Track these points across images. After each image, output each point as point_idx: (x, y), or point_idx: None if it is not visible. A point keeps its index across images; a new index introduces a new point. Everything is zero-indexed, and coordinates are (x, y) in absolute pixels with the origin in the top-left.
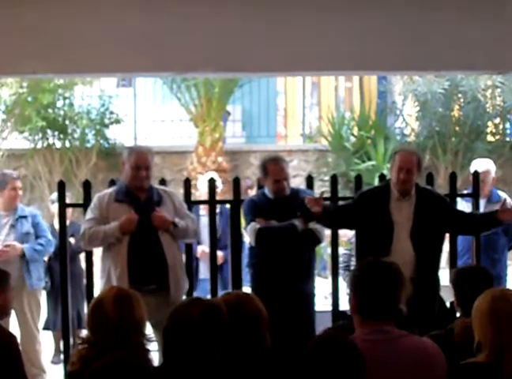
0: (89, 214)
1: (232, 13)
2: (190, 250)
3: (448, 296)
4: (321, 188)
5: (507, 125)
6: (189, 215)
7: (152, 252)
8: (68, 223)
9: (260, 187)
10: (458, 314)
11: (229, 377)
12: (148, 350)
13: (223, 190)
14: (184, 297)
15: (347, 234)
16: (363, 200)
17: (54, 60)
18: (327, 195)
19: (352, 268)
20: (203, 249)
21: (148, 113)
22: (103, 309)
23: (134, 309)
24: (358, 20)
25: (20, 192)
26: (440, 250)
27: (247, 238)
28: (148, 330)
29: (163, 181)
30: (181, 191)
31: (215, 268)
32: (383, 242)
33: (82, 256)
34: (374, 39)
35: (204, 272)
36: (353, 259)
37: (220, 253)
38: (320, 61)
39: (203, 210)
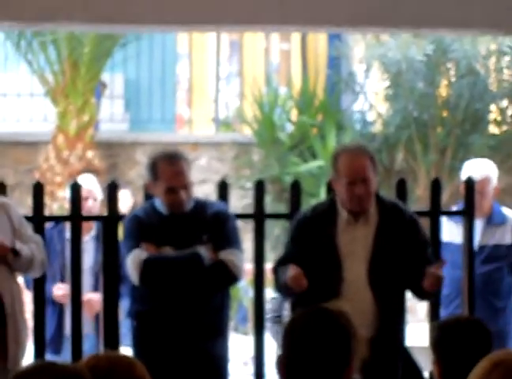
0: None
1: None
2: (40, 291)
3: (426, 363)
4: (241, 199)
5: None
6: (33, 238)
7: None
8: None
9: (148, 197)
10: None
11: None
12: None
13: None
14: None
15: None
16: (303, 232)
17: None
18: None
19: (286, 319)
20: (62, 286)
21: None
22: None
23: None
24: None
25: None
26: (403, 296)
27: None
28: None
29: (1, 187)
30: (29, 202)
31: (78, 320)
32: (328, 284)
33: None
34: None
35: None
36: (287, 307)
37: (96, 297)
38: (241, 9)
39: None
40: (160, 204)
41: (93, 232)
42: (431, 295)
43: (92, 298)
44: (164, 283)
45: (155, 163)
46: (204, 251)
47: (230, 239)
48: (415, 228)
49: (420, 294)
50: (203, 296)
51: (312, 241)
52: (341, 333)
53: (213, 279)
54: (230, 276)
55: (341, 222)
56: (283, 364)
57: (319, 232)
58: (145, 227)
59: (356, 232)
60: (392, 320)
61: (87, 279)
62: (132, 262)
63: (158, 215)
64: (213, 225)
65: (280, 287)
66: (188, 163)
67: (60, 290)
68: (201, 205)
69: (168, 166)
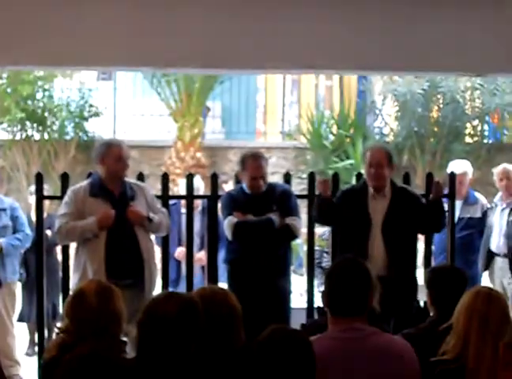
0: (64, 208)
1: (215, 9)
2: (166, 245)
3: (422, 295)
4: (299, 185)
5: (485, 126)
6: (161, 210)
7: (129, 247)
8: (45, 215)
9: (238, 181)
10: (431, 313)
11: (202, 373)
12: (124, 343)
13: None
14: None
15: (317, 232)
16: (344, 199)
17: (34, 51)
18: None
19: (324, 265)
20: (182, 249)
21: (127, 107)
22: (84, 298)
23: (115, 302)
24: (346, 19)
25: None
26: (414, 249)
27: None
28: None
29: (141, 176)
30: (159, 186)
31: (190, 265)
32: (360, 239)
33: (58, 248)
34: (357, 40)
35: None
36: (325, 256)
37: (202, 254)
38: (300, 59)
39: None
40: (245, 186)
41: (199, 208)
42: (437, 210)
43: (202, 256)
44: (249, 238)
45: (244, 158)
46: (275, 217)
47: (292, 209)
48: (417, 200)
49: (428, 223)
50: (274, 247)
51: (350, 207)
52: (364, 273)
53: (281, 236)
54: (292, 235)
55: (369, 196)
56: (326, 296)
57: (356, 202)
58: (236, 201)
59: (377, 203)
60: (399, 264)
61: (195, 240)
62: (227, 224)
63: (244, 193)
64: (281, 199)
65: (315, 208)
66: (266, 160)
67: (180, 253)
68: (272, 186)
69: (252, 161)
